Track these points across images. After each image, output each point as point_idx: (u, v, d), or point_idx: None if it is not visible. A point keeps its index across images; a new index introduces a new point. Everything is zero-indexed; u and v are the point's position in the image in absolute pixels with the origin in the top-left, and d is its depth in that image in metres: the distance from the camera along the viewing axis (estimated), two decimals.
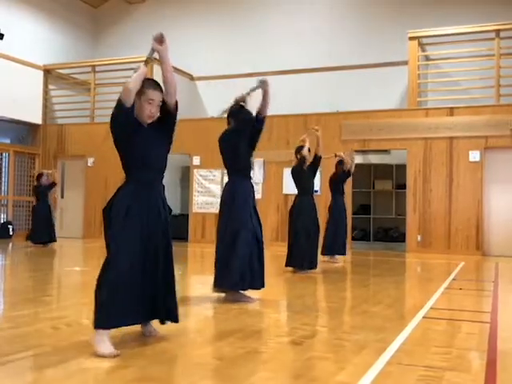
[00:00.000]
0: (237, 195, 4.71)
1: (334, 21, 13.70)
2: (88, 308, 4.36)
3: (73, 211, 13.36)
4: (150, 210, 3.16)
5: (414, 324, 3.81)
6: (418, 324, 3.84)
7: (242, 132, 4.70)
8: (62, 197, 13.56)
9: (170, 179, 13.64)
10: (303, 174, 7.08)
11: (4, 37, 12.77)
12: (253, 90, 4.73)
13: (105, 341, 2.90)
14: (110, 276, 2.99)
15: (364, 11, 13.45)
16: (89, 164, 13.37)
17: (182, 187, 14.34)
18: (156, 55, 3.37)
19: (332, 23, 13.71)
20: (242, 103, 4.82)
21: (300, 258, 6.85)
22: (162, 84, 3.25)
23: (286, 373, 2.70)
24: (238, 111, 4.77)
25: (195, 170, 12.74)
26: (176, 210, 13.84)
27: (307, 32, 13.72)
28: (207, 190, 12.59)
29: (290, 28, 13.93)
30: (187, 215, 13.00)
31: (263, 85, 4.68)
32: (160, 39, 3.21)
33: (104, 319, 2.94)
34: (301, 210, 7.00)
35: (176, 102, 3.25)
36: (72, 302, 4.89)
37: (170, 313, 3.23)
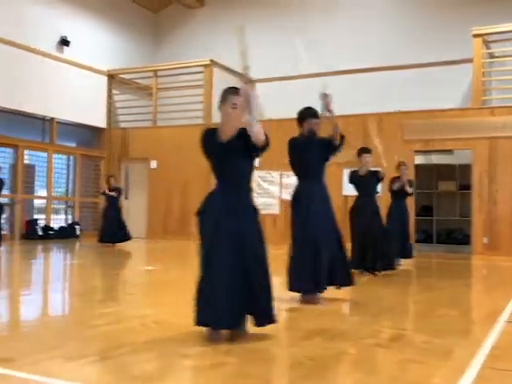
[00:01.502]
0: (310, 197, 4.74)
1: (393, 20, 13.54)
2: (170, 306, 4.54)
3: (137, 212, 13.74)
4: (236, 214, 3.28)
5: (499, 328, 3.75)
6: (504, 328, 3.78)
7: (313, 145, 4.74)
8: (126, 198, 13.96)
9: None
10: (362, 178, 7.03)
11: (70, 44, 13.30)
12: (323, 108, 4.73)
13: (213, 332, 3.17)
14: (206, 278, 3.15)
15: (422, 9, 13.22)
16: (152, 166, 13.70)
17: None
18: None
19: (390, 22, 13.55)
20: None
21: (364, 260, 6.81)
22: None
23: (380, 375, 2.73)
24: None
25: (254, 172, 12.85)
26: None
27: (365, 31, 13.61)
28: (266, 191, 12.67)
29: (347, 28, 13.87)
30: None
31: (326, 98, 4.69)
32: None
33: (202, 319, 3.10)
34: (359, 212, 6.96)
35: (264, 144, 3.36)
36: (153, 300, 5.06)
37: (265, 314, 3.31)
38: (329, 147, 4.74)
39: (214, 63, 13.34)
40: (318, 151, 4.74)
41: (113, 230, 10.91)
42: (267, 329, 3.47)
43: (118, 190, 11.40)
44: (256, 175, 12.79)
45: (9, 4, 11.92)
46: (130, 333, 3.47)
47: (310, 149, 4.70)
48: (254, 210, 3.47)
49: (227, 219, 3.27)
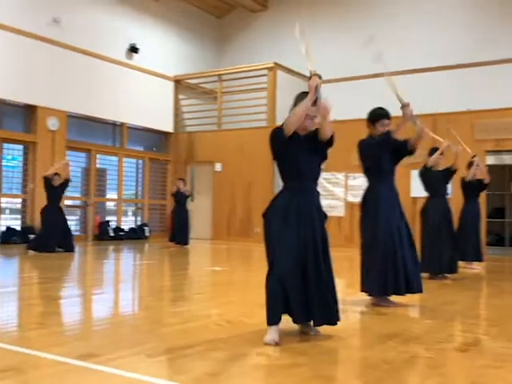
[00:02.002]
0: (381, 200, 4.69)
1: (463, 17, 13.13)
2: (240, 306, 4.63)
3: (202, 214, 14.01)
4: (303, 215, 3.31)
5: None
6: None
7: (388, 147, 4.68)
8: (192, 200, 14.26)
9: None
10: (431, 176, 6.87)
11: (139, 51, 13.75)
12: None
13: (271, 332, 3.17)
14: (273, 276, 3.21)
15: (494, 5, 12.75)
16: (217, 169, 13.94)
17: None
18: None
19: (460, 19, 13.15)
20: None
21: (435, 263, 6.65)
22: None
23: (459, 379, 2.68)
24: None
25: None
26: None
27: (435, 29, 13.28)
28: (331, 193, 12.59)
29: (416, 25, 13.58)
30: None
31: (407, 108, 4.63)
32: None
33: (268, 317, 3.18)
34: (430, 213, 6.81)
35: (332, 136, 3.38)
36: (222, 300, 5.15)
37: (328, 315, 3.33)
38: (403, 150, 4.67)
39: (278, 66, 13.42)
40: (392, 153, 4.69)
41: (181, 232, 11.24)
42: (339, 331, 3.47)
43: (187, 193, 11.81)
44: (321, 177, 12.75)
45: (80, 14, 12.46)
46: (204, 331, 3.56)
47: (384, 150, 4.64)
48: (322, 214, 3.48)
49: (295, 221, 3.29)
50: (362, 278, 4.69)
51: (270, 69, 13.46)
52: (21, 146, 11.72)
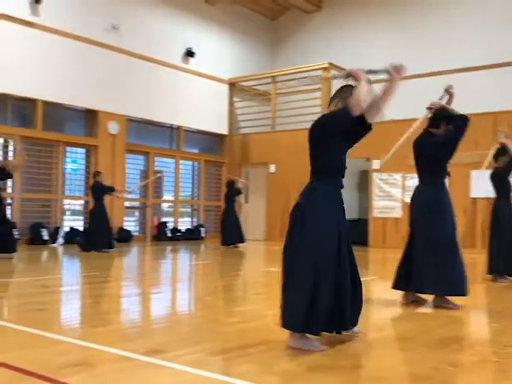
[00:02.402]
0: (441, 201, 4.63)
1: None
2: None
3: (256, 215, 14.10)
4: (341, 211, 3.26)
5: None
6: None
7: (454, 142, 4.59)
8: (247, 202, 14.38)
9: (347, 184, 13.68)
10: (505, 177, 6.68)
11: (195, 55, 13.98)
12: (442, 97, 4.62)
13: (307, 339, 3.08)
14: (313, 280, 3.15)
15: None
16: (271, 171, 13.99)
17: (359, 192, 14.31)
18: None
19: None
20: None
21: (503, 265, 6.44)
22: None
23: None
24: (449, 118, 4.62)
25: (375, 174, 12.64)
26: (354, 214, 13.87)
27: (489, 26, 12.88)
28: (388, 194, 12.40)
29: (469, 23, 13.22)
30: (366, 220, 12.95)
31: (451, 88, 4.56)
32: (400, 70, 3.17)
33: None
34: (502, 214, 6.59)
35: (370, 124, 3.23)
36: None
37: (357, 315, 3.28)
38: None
39: (332, 66, 13.34)
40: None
41: (232, 232, 11.40)
42: (402, 331, 3.42)
43: (239, 192, 11.95)
44: (377, 177, 12.58)
45: (138, 20, 12.80)
46: (264, 331, 3.58)
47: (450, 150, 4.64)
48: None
49: (335, 216, 3.23)
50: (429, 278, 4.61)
51: (324, 69, 13.40)
52: (83, 150, 12.16)
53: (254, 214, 14.18)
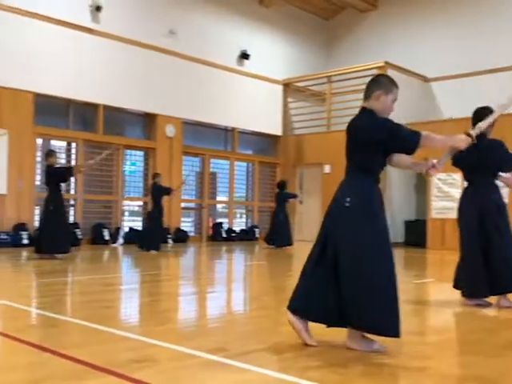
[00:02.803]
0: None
1: None
2: None
3: (311, 216, 14.04)
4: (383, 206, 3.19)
5: None
6: None
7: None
8: (301, 203, 14.33)
9: (404, 184, 13.44)
10: None
11: (249, 57, 14.07)
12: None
13: (367, 340, 3.06)
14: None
15: None
16: (325, 171, 13.90)
17: (417, 192, 14.01)
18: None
19: None
20: None
21: None
22: None
23: None
24: None
25: None
26: (412, 215, 13.60)
27: None
28: (446, 194, 12.09)
29: None
30: (424, 221, 12.67)
31: None
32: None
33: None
34: None
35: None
36: None
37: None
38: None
39: (388, 64, 13.13)
40: None
41: (282, 233, 11.42)
42: (464, 332, 3.33)
43: (294, 196, 12.00)
44: (435, 178, 12.27)
45: (194, 24, 13.01)
46: (326, 331, 3.54)
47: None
48: None
49: (383, 214, 3.18)
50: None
51: (380, 68, 13.19)
52: (141, 152, 12.46)
53: (308, 215, 14.13)
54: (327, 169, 13.89)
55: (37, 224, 10.21)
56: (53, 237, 7.89)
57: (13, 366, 2.68)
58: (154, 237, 9.92)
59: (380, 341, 3.05)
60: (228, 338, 3.39)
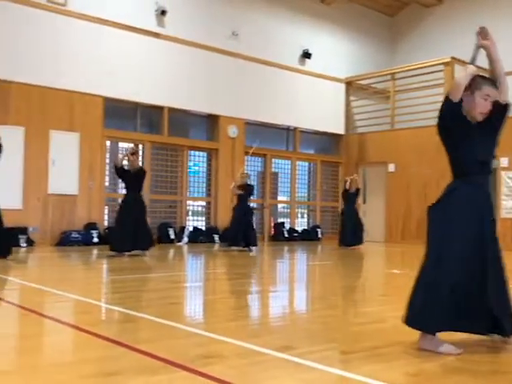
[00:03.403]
0: None
1: None
2: None
3: (375, 216, 13.81)
4: (479, 214, 3.04)
5: None
6: None
7: None
8: (364, 202, 14.13)
9: None
10: None
11: (311, 56, 14.01)
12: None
13: (438, 341, 2.96)
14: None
15: None
16: (389, 170, 13.64)
17: None
18: (480, 52, 3.16)
19: None
20: None
21: None
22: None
23: None
24: None
25: (503, 173, 11.87)
26: None
27: None
28: None
29: None
30: None
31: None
32: (484, 34, 3.02)
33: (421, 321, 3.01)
34: None
35: (508, 103, 3.07)
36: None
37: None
38: None
39: (455, 60, 12.73)
40: None
41: (350, 233, 11.28)
42: None
43: (357, 191, 11.78)
44: (506, 176, 11.79)
45: (255, 25, 13.09)
46: (395, 332, 3.49)
47: None
48: None
49: (472, 217, 3.05)
50: None
51: (446, 64, 12.83)
52: (204, 153, 12.67)
53: (372, 215, 13.90)
54: (392, 168, 13.63)
55: (106, 223, 10.63)
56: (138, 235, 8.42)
57: (86, 358, 2.78)
58: (237, 235, 10.12)
59: (452, 342, 2.97)
60: (296, 336, 3.39)
